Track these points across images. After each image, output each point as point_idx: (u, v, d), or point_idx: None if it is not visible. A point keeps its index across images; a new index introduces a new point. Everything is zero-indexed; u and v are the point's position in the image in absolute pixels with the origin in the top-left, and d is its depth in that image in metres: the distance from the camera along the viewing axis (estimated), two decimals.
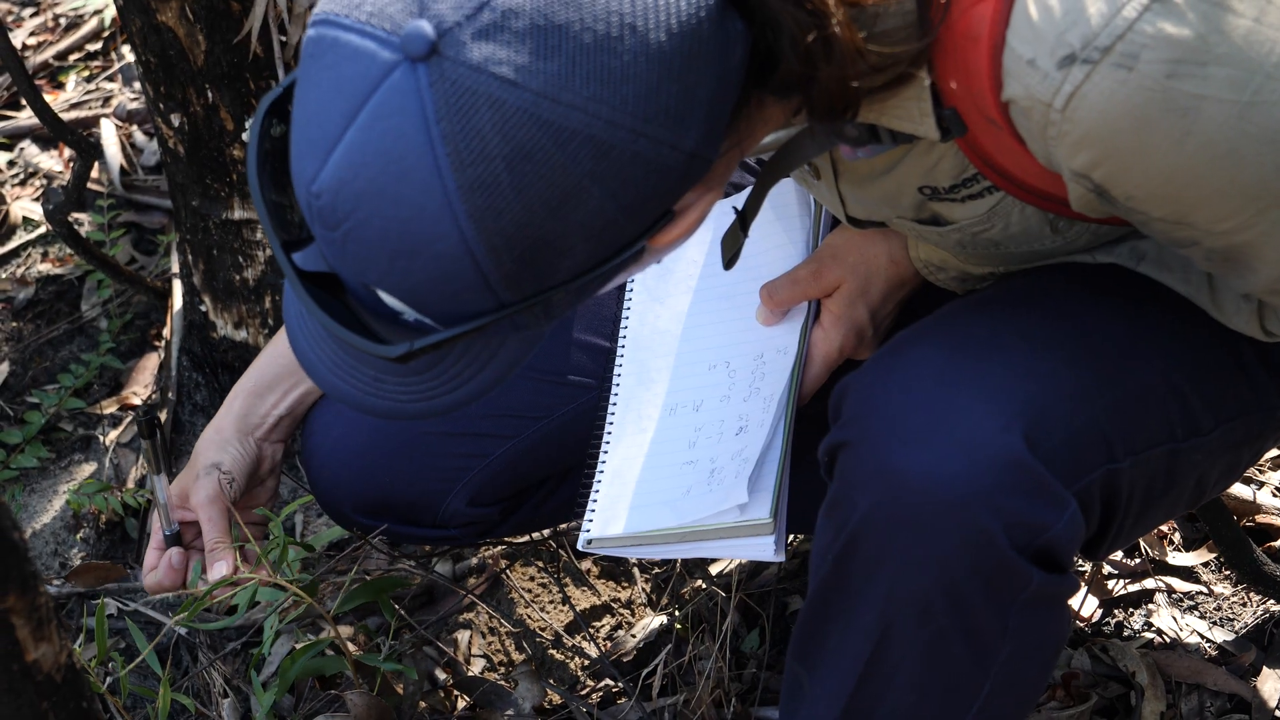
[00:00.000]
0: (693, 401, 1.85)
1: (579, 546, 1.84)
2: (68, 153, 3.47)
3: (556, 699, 2.31)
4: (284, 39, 2.53)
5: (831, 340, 1.80)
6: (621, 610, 2.47)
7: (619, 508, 1.81)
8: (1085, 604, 2.28)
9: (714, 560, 2.45)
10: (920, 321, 1.64)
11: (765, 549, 1.72)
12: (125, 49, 3.72)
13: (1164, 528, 2.39)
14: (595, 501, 1.84)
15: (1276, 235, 1.42)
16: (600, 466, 1.87)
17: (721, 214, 1.73)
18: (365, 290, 1.36)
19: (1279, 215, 1.40)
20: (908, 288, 1.82)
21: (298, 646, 2.36)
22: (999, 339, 1.57)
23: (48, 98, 3.61)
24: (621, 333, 1.95)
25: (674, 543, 1.77)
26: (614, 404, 1.91)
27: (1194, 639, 2.23)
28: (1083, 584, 2.31)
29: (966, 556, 1.50)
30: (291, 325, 1.50)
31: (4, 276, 3.22)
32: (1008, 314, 1.62)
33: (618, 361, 1.94)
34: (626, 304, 1.96)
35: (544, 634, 2.44)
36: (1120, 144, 1.35)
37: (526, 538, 2.50)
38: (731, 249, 1.65)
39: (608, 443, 1.88)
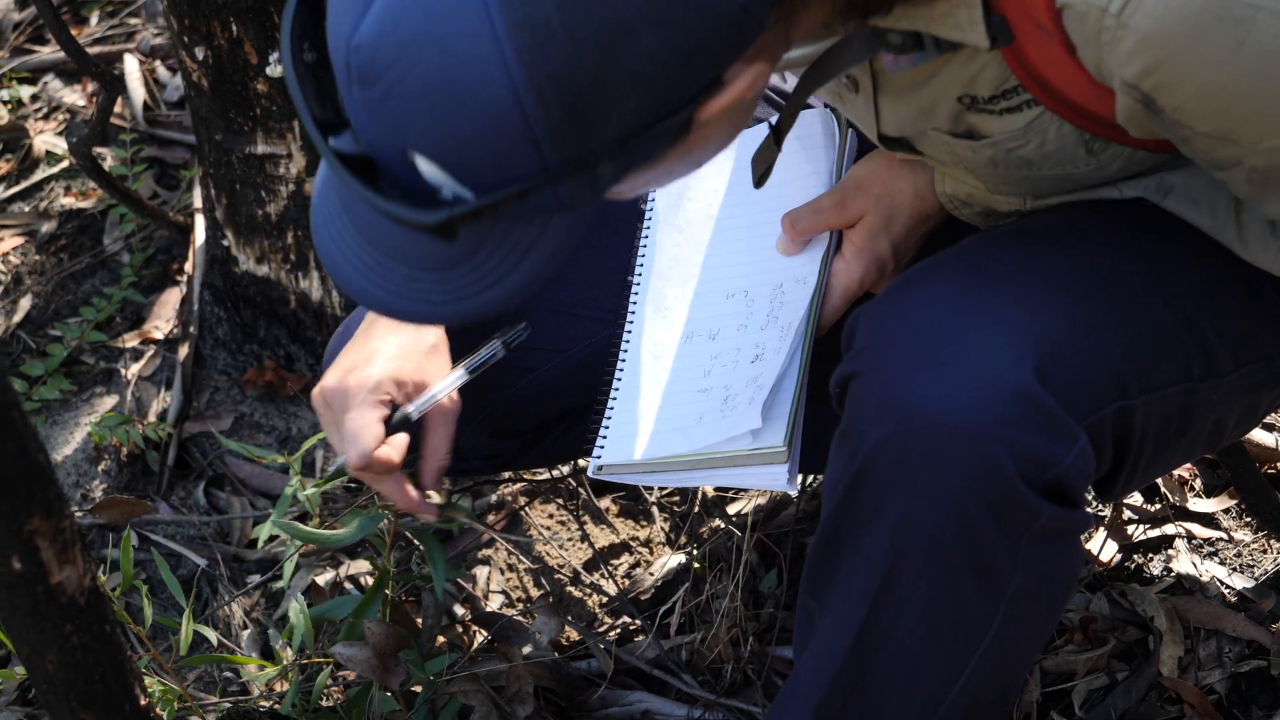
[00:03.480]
0: (709, 330, 1.84)
1: (589, 473, 1.82)
2: (91, 87, 3.47)
3: (574, 635, 2.31)
4: None
5: (852, 272, 1.78)
6: (640, 548, 2.47)
7: (631, 434, 1.80)
8: (1105, 548, 2.28)
9: (732, 500, 2.46)
10: (936, 255, 1.63)
11: (778, 478, 1.70)
12: None
13: (1185, 473, 2.38)
14: (608, 428, 1.82)
15: None
16: (614, 393, 1.85)
17: (745, 141, 1.72)
18: (402, 163, 1.30)
19: None
20: (931, 222, 1.80)
21: (318, 579, 2.38)
22: (1015, 273, 1.56)
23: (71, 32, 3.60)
24: (639, 261, 1.93)
25: (686, 470, 1.75)
26: (629, 331, 1.89)
27: (1213, 585, 2.23)
28: (1102, 528, 2.31)
29: (976, 488, 1.49)
30: (319, 231, 1.44)
31: (27, 210, 3.23)
32: (1025, 249, 1.61)
33: (634, 289, 1.92)
34: (645, 231, 1.94)
35: (562, 571, 2.44)
36: (1174, 52, 1.34)
37: (546, 474, 2.50)
38: (763, 164, 1.62)
39: (622, 369, 1.87)
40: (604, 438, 1.82)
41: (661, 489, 2.52)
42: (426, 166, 1.29)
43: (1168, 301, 1.60)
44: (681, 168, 1.41)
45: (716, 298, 1.86)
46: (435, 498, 1.85)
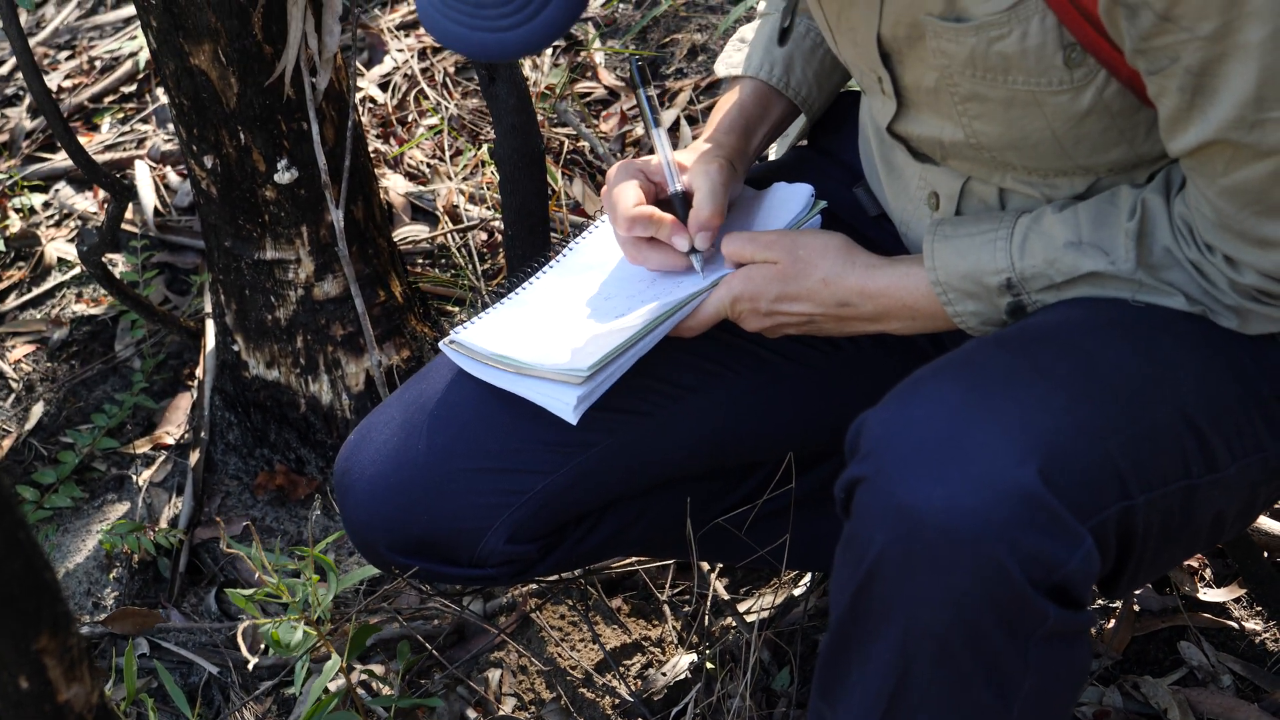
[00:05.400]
0: (607, 290, 1.99)
1: (440, 344, 1.97)
2: (103, 194, 3.51)
3: None
4: (315, 81, 2.55)
5: (731, 288, 1.88)
6: (652, 649, 2.47)
7: (494, 332, 1.95)
8: (1117, 640, 2.28)
9: (743, 598, 2.46)
10: (938, 359, 1.65)
11: (566, 404, 1.85)
12: (159, 91, 3.76)
13: (1194, 563, 2.38)
14: (483, 318, 1.98)
15: (1249, 57, 1.46)
16: (510, 297, 2.02)
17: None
18: None
19: (1257, 33, 1.45)
20: (819, 320, 1.87)
21: (331, 687, 2.37)
22: (1014, 376, 1.58)
23: (83, 140, 3.65)
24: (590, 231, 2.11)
25: (505, 371, 1.91)
26: (562, 257, 2.06)
27: (1226, 676, 2.22)
28: (1114, 620, 2.30)
29: (982, 592, 1.50)
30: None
31: (39, 317, 3.25)
32: (1024, 351, 1.63)
33: (584, 235, 2.09)
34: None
35: (574, 673, 2.44)
36: None
37: (556, 575, 2.50)
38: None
39: (530, 284, 2.03)
40: (475, 322, 1.98)
41: (673, 587, 2.53)
42: None
43: (1165, 399, 1.62)
44: None
45: (628, 271, 2.01)
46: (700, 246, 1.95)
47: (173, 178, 3.51)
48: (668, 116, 3.33)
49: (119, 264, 3.26)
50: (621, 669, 2.43)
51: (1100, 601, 2.33)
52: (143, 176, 3.46)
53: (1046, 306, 1.73)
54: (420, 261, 3.20)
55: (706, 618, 2.39)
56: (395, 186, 3.34)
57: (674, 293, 1.91)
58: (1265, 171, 1.55)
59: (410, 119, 3.57)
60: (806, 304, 1.86)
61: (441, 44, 1.63)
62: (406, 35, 3.78)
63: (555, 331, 1.93)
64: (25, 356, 3.17)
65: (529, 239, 2.63)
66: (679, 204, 1.95)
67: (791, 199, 1.99)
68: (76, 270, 3.31)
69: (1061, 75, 1.64)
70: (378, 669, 2.44)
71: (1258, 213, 1.58)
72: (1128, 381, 1.61)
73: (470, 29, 1.59)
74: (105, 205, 3.47)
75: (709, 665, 2.34)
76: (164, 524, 2.78)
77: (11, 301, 3.31)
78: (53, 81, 3.89)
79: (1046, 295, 1.73)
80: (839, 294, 1.84)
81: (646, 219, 1.92)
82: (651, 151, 2.01)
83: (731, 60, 2.11)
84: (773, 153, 2.23)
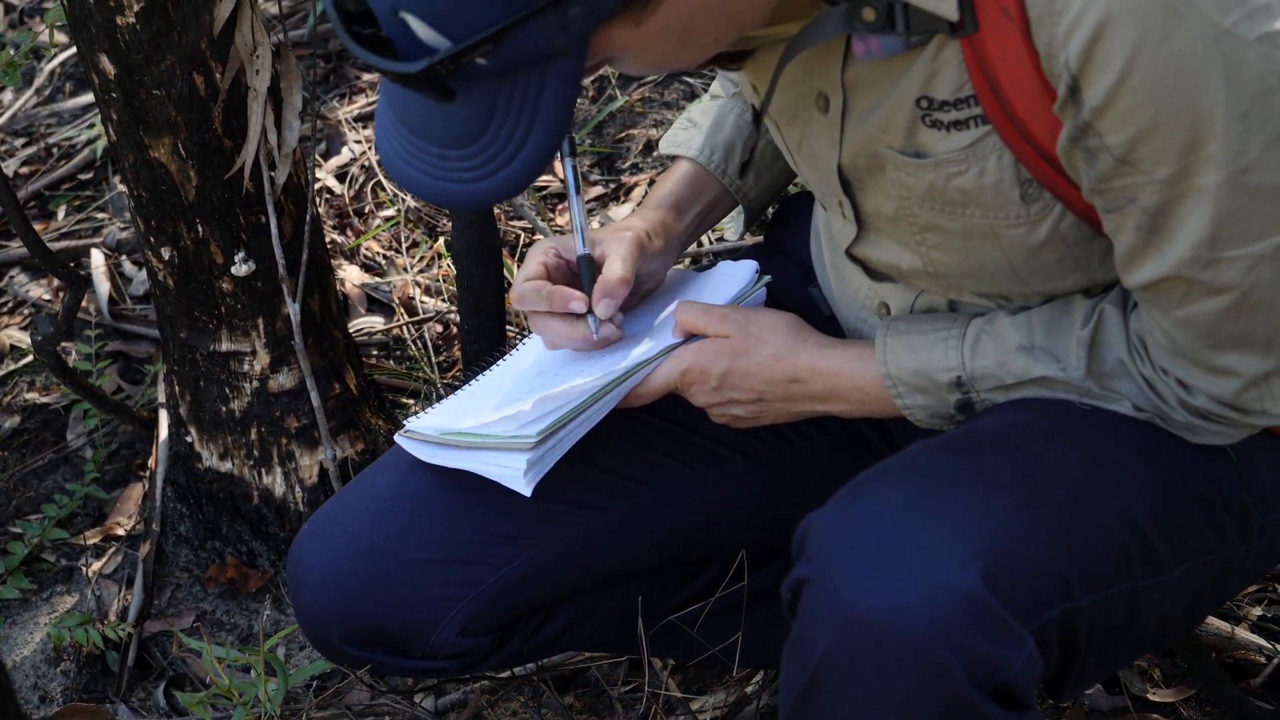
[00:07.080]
0: (558, 366, 1.99)
1: (395, 436, 1.98)
2: (57, 282, 3.50)
3: None
4: (274, 176, 2.57)
5: (682, 360, 1.89)
6: None
7: (446, 415, 1.96)
8: None
9: (694, 696, 2.46)
10: (884, 461, 1.67)
11: (516, 471, 1.85)
12: (116, 179, 3.77)
13: (1143, 664, 2.40)
14: (436, 408, 2.00)
15: (1205, 200, 1.50)
16: (463, 389, 2.03)
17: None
18: (397, 22, 1.44)
19: (1213, 178, 1.49)
20: (767, 397, 1.88)
21: None
22: (959, 479, 1.60)
23: (38, 227, 3.65)
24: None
25: (457, 449, 1.91)
26: (514, 352, 2.07)
27: None
28: None
29: (926, 693, 1.51)
30: (379, 135, 1.63)
31: None
32: (969, 454, 1.65)
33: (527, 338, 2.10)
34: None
35: None
36: (1111, 26, 1.44)
37: (508, 671, 2.49)
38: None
39: (483, 378, 2.04)
40: (428, 412, 1.99)
41: (626, 684, 2.52)
42: (414, 23, 1.43)
43: (1110, 502, 1.64)
44: (665, 51, 1.54)
45: (572, 354, 2.00)
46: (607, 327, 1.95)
47: (128, 266, 3.51)
48: (623, 211, 3.36)
49: (72, 352, 3.25)
50: None
51: (1050, 702, 2.34)
52: (98, 265, 3.46)
53: (995, 406, 1.75)
54: (375, 353, 3.20)
55: (659, 715, 2.39)
56: (351, 278, 3.36)
57: (621, 364, 1.92)
58: (1218, 307, 1.59)
59: (367, 210, 3.59)
60: (756, 379, 1.87)
61: (406, 190, 1.63)
62: (364, 127, 3.81)
63: (503, 404, 1.94)
64: None
65: (485, 331, 2.64)
66: (584, 266, 1.96)
67: (736, 274, 2.03)
68: (29, 358, 3.30)
69: (1018, 209, 1.67)
70: None
71: (1209, 345, 1.62)
72: (1072, 485, 1.63)
73: (434, 178, 1.57)
74: (60, 294, 3.47)
75: None
76: (113, 617, 2.76)
77: None
78: (9, 168, 3.89)
79: (995, 395, 1.75)
80: (789, 370, 1.86)
81: (535, 292, 1.94)
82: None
83: (676, 139, 2.14)
84: (729, 233, 2.26)
